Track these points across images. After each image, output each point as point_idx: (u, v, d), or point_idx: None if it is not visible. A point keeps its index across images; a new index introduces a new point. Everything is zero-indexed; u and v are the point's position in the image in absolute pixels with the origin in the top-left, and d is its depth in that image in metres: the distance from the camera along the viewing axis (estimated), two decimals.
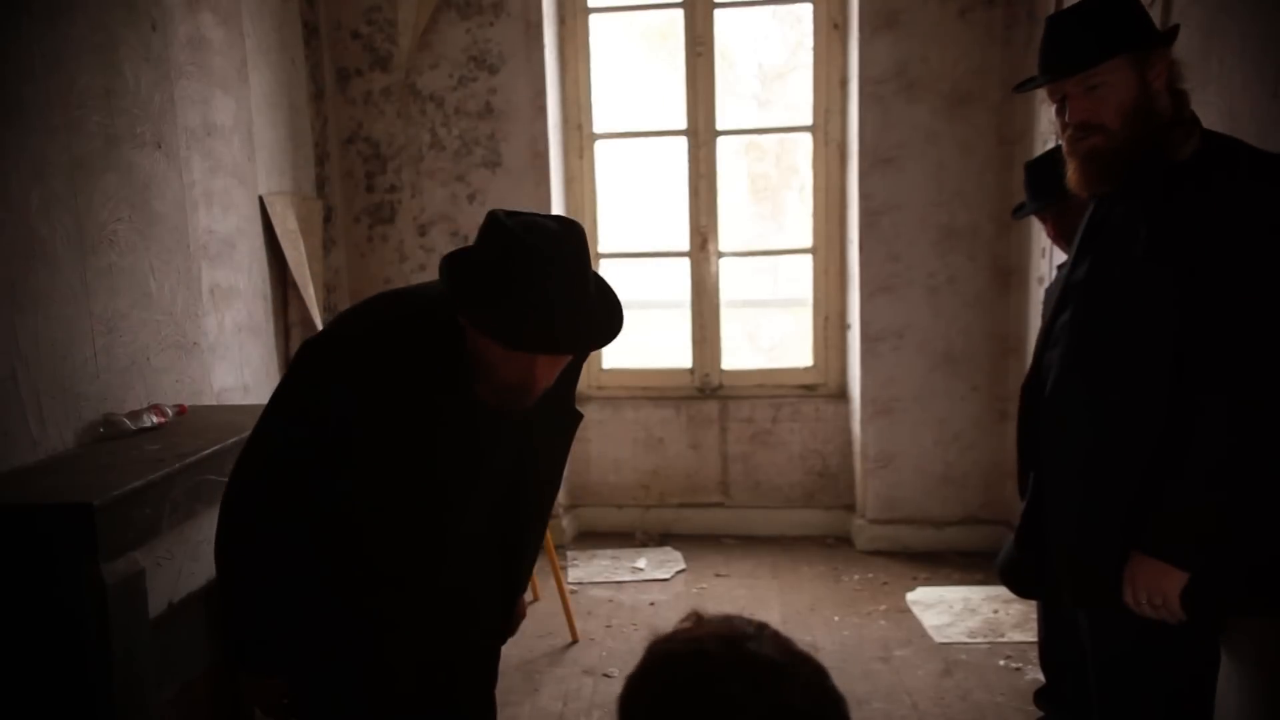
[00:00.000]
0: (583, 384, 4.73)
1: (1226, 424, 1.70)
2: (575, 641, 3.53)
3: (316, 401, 1.51)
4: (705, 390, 4.66)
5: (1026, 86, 1.99)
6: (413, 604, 1.68)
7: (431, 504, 1.62)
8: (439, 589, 1.70)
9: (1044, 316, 2.16)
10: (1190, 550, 1.74)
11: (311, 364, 1.54)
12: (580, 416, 1.84)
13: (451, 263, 1.46)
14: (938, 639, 3.45)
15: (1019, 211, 2.79)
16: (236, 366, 3.43)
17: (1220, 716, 2.40)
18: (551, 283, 1.37)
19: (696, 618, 1.00)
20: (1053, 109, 1.91)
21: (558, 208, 4.48)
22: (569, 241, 1.40)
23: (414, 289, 1.65)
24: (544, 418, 1.66)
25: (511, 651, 3.43)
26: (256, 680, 1.66)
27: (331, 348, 1.55)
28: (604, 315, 1.49)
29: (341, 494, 1.59)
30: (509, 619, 1.93)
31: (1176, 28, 1.94)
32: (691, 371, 4.69)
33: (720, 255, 4.61)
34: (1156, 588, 1.76)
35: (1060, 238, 2.62)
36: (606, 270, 4.75)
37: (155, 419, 2.70)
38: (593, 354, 4.71)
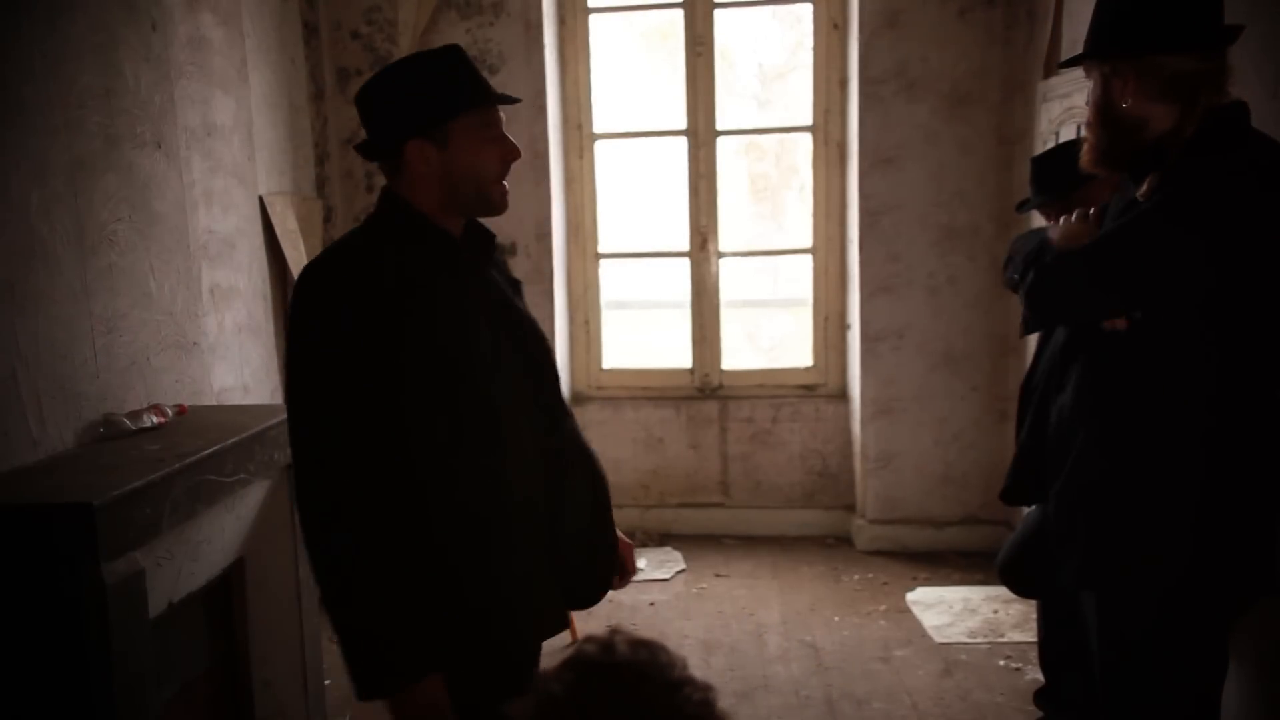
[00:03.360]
0: (583, 384, 4.74)
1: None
2: (575, 641, 3.52)
3: (342, 326, 1.50)
4: (705, 390, 4.66)
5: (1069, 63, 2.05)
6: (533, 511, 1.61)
7: (497, 379, 1.59)
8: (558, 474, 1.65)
9: (1014, 251, 2.30)
10: None
11: (316, 298, 1.55)
12: None
13: (369, 137, 1.66)
14: (938, 639, 3.45)
15: (1023, 206, 2.80)
16: (236, 366, 3.42)
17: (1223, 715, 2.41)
18: (459, 58, 1.59)
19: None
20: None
21: (558, 207, 4.48)
22: (450, 47, 1.62)
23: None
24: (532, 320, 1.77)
25: None
26: (418, 689, 1.50)
27: (320, 274, 1.58)
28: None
29: (415, 419, 1.52)
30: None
31: (1140, 44, 1.88)
32: (691, 371, 4.69)
33: (720, 255, 4.61)
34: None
35: None
36: (606, 269, 4.76)
37: (155, 419, 2.70)
38: (592, 354, 4.72)
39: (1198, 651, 1.87)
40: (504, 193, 1.61)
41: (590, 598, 1.80)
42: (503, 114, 1.63)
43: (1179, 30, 1.86)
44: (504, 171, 1.60)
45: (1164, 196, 1.77)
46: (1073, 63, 1.94)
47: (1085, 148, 1.94)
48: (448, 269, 1.59)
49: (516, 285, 1.79)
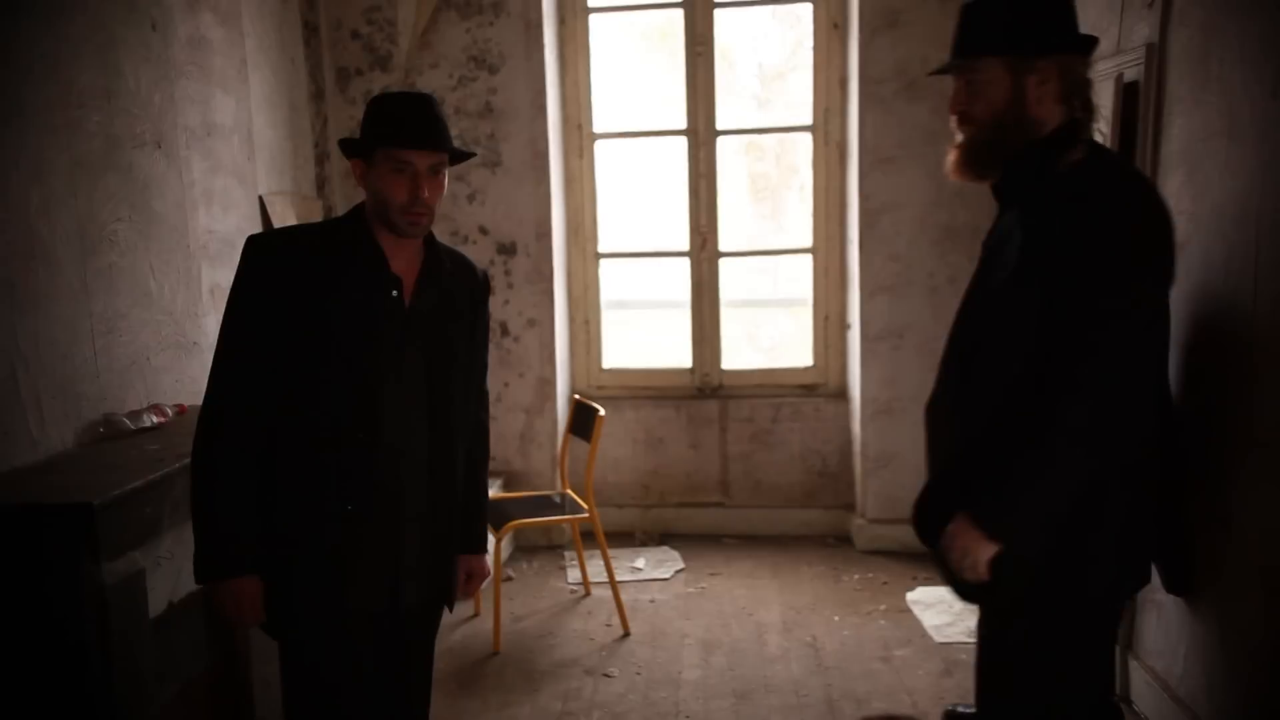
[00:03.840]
0: (583, 383, 4.74)
1: (1053, 424, 1.74)
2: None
3: (258, 278, 1.83)
4: (705, 390, 4.66)
5: (936, 71, 2.03)
6: (358, 469, 1.85)
7: (363, 379, 1.84)
8: (381, 450, 1.87)
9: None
10: (1004, 528, 1.80)
11: (254, 247, 1.87)
12: (484, 394, 2.14)
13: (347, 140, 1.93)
14: (938, 639, 3.45)
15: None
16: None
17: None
18: (403, 105, 1.85)
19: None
20: None
21: (558, 207, 4.48)
22: (420, 93, 1.90)
23: None
24: (453, 341, 1.96)
25: (512, 651, 3.44)
26: (234, 583, 1.81)
27: (267, 232, 2.04)
28: (448, 136, 1.88)
29: (293, 377, 1.82)
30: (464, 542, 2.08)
31: (1093, 40, 1.93)
32: (691, 371, 4.69)
33: (720, 255, 4.61)
34: (971, 549, 1.82)
35: None
36: (606, 269, 4.76)
37: (155, 419, 2.70)
38: (592, 354, 4.72)
39: (1070, 634, 1.91)
40: (413, 220, 1.83)
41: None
42: (434, 158, 1.84)
43: (1077, 33, 1.88)
44: (410, 203, 1.81)
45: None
46: (975, 53, 1.86)
47: (961, 155, 1.92)
48: (353, 266, 1.86)
49: (457, 314, 1.97)
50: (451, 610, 2.13)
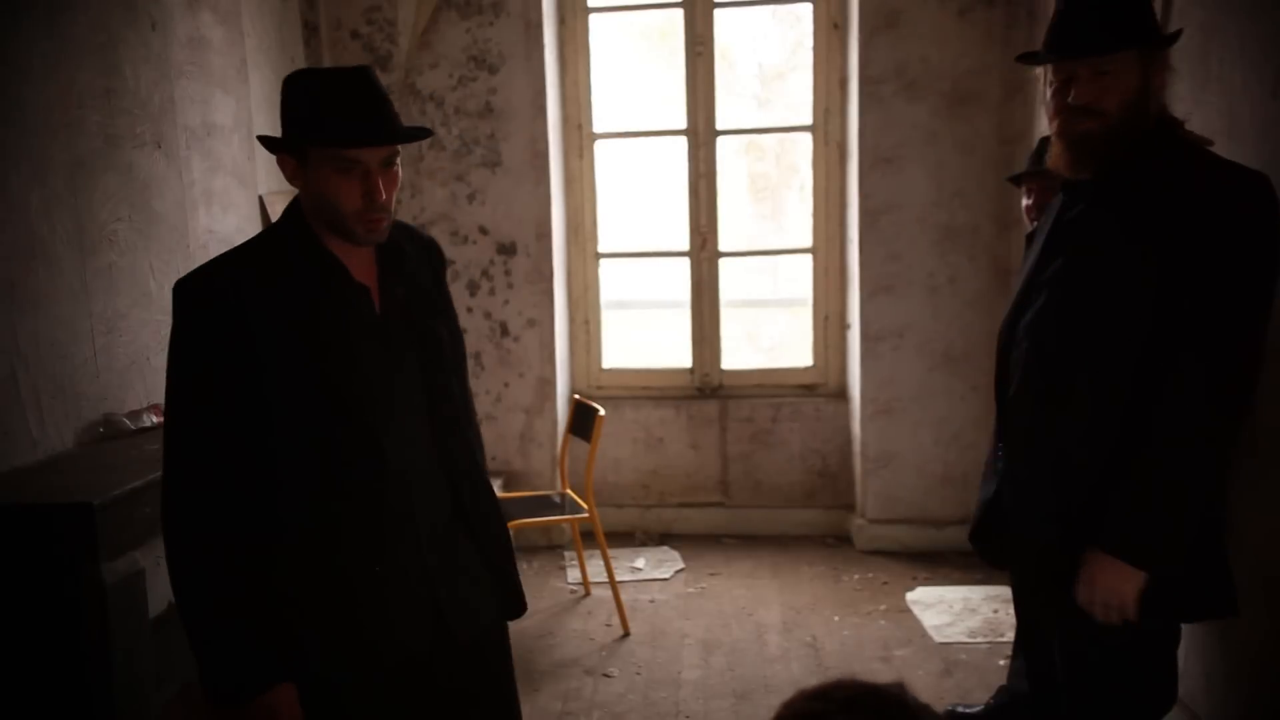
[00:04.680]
0: (583, 383, 4.74)
1: (1191, 426, 1.72)
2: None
3: (208, 325, 1.51)
4: (705, 390, 4.66)
5: (1033, 59, 1.97)
6: (368, 535, 1.59)
7: (356, 410, 1.57)
8: (389, 481, 1.61)
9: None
10: (1150, 550, 1.75)
11: (188, 294, 1.54)
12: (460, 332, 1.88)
13: (265, 137, 1.62)
14: (938, 639, 3.45)
15: (1016, 177, 2.92)
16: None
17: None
18: (346, 87, 1.51)
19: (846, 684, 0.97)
20: (1049, 90, 1.91)
21: (558, 207, 4.48)
22: (355, 67, 1.55)
23: None
24: (436, 338, 1.70)
25: (512, 651, 3.43)
26: (265, 699, 1.51)
27: (198, 271, 1.58)
28: (396, 117, 1.57)
29: (275, 432, 1.54)
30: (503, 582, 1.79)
31: (1180, 32, 1.95)
32: (691, 371, 4.69)
33: (720, 255, 4.61)
34: (1115, 588, 1.76)
35: (1037, 208, 2.71)
36: (606, 269, 4.76)
37: (155, 419, 2.70)
38: (592, 354, 4.72)
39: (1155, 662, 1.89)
40: (370, 226, 1.54)
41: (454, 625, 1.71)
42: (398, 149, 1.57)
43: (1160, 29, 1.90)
44: (366, 208, 1.52)
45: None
46: (1118, 46, 1.81)
47: (1082, 146, 1.85)
48: (309, 288, 1.56)
49: (429, 298, 1.72)
50: (524, 610, 1.83)
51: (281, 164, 1.57)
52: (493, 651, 1.77)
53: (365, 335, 1.60)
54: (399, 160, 1.57)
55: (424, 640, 1.64)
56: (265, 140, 1.58)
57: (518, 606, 1.80)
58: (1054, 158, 1.92)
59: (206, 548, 1.51)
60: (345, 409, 1.56)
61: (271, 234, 1.64)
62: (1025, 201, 2.83)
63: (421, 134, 1.58)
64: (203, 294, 1.52)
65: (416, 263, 1.70)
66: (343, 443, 1.57)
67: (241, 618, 1.51)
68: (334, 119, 1.48)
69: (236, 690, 1.51)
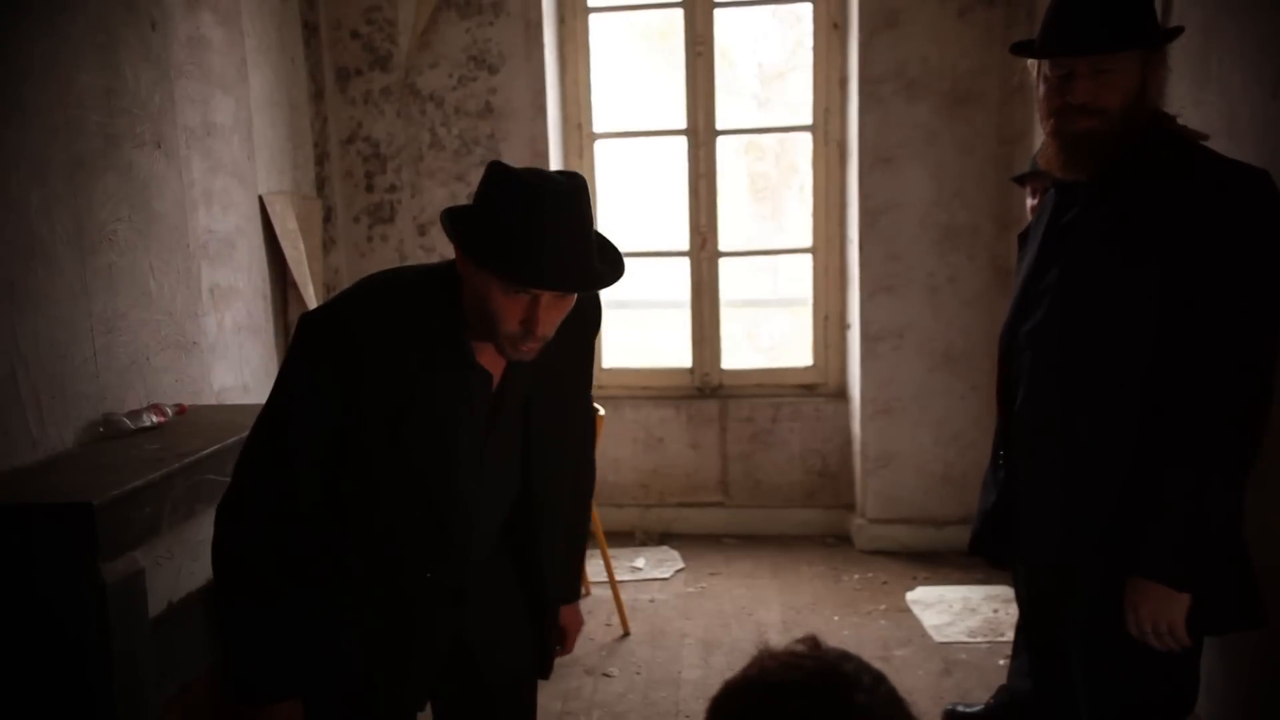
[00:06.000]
0: None
1: (1217, 442, 1.69)
2: None
3: (320, 373, 1.49)
4: (705, 390, 4.66)
5: (1029, 51, 1.91)
6: (426, 592, 1.62)
7: (441, 473, 1.56)
8: (457, 575, 1.64)
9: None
10: (1191, 571, 1.72)
11: (311, 337, 1.51)
12: (593, 411, 1.87)
13: (453, 210, 1.49)
14: (938, 639, 3.45)
15: (1021, 177, 2.91)
16: (236, 366, 3.43)
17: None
18: (547, 218, 1.38)
19: (814, 643, 0.95)
20: (1042, 87, 1.86)
21: None
22: (570, 187, 1.42)
23: (410, 266, 1.65)
24: (548, 399, 1.65)
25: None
26: (273, 711, 1.55)
27: (329, 317, 1.53)
28: (600, 262, 1.49)
29: (354, 473, 1.53)
30: (543, 631, 1.83)
31: (1180, 30, 1.93)
32: (691, 371, 4.69)
33: (720, 255, 4.61)
34: (1162, 613, 1.73)
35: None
36: None
37: (155, 418, 2.70)
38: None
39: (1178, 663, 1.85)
40: (521, 353, 1.47)
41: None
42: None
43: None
44: (522, 333, 1.44)
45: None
46: (1122, 45, 1.78)
47: (1078, 145, 1.81)
48: (435, 360, 1.52)
49: (558, 370, 1.65)
50: (547, 676, 1.91)
51: (456, 250, 1.47)
52: (518, 697, 1.85)
53: (470, 420, 1.56)
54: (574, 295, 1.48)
55: (451, 684, 1.72)
56: (446, 221, 1.45)
57: (543, 666, 1.88)
58: (1047, 157, 1.88)
59: (255, 552, 1.51)
60: (422, 491, 1.55)
61: (417, 288, 1.54)
62: (1030, 201, 2.83)
63: (604, 282, 1.48)
64: (324, 338, 1.49)
65: (560, 334, 1.53)
66: (408, 525, 1.57)
67: (273, 625, 1.53)
68: (523, 254, 1.37)
69: (249, 693, 1.54)
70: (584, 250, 1.43)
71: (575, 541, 1.88)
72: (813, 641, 0.95)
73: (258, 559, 1.51)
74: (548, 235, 1.38)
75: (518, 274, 1.38)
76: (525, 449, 1.67)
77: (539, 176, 1.42)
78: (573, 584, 1.93)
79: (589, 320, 1.69)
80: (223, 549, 1.53)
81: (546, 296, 1.42)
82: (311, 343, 1.50)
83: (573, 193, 1.42)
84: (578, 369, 1.73)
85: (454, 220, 1.46)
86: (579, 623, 1.97)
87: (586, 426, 1.85)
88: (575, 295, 1.48)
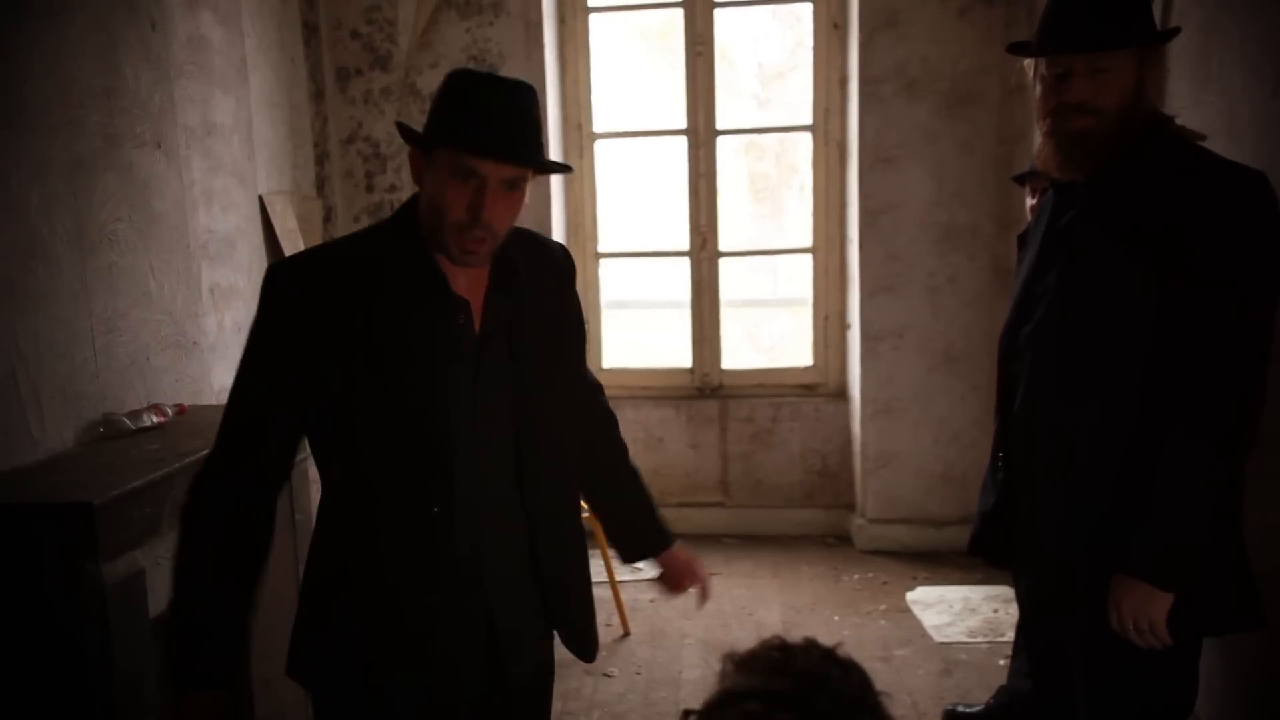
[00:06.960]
0: None
1: (1209, 442, 1.69)
2: None
3: (287, 315, 1.47)
4: (705, 390, 4.66)
5: (1026, 50, 1.90)
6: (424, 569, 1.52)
7: (432, 408, 1.49)
8: (455, 507, 1.51)
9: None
10: (1175, 571, 1.72)
11: (274, 281, 1.49)
12: (596, 387, 1.91)
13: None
14: (938, 639, 3.45)
15: (1020, 176, 2.91)
16: (236, 366, 3.42)
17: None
18: (494, 100, 1.43)
19: (782, 646, 0.94)
20: (1038, 86, 1.85)
21: (557, 207, 4.48)
22: (518, 80, 1.48)
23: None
24: (538, 348, 1.60)
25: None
26: (197, 698, 1.49)
27: (292, 258, 1.57)
28: (538, 144, 1.49)
29: (345, 416, 1.49)
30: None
31: (1177, 30, 1.93)
32: (691, 371, 4.69)
33: (720, 255, 4.61)
34: (1143, 611, 1.73)
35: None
36: (606, 269, 4.76)
37: (155, 418, 2.70)
38: (592, 353, 4.71)
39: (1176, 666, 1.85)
40: (467, 245, 1.44)
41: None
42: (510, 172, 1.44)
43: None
44: (469, 222, 1.42)
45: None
46: (1120, 43, 1.77)
47: (1075, 145, 1.80)
48: (404, 293, 1.48)
49: (543, 317, 1.62)
50: (593, 659, 1.77)
51: (410, 159, 1.49)
52: (535, 698, 1.73)
53: (455, 354, 1.50)
54: (526, 187, 1.46)
55: (475, 680, 1.57)
56: (400, 128, 1.51)
57: (589, 650, 1.75)
58: (1043, 157, 1.87)
59: (212, 523, 1.49)
60: (415, 429, 1.48)
61: (378, 230, 1.58)
62: (1029, 201, 2.83)
63: (556, 168, 1.54)
64: (289, 282, 1.48)
65: (537, 280, 1.57)
66: (407, 464, 1.49)
67: (218, 605, 1.50)
68: (465, 123, 1.40)
69: (176, 676, 1.50)
70: (529, 132, 1.45)
71: (644, 485, 1.94)
72: (779, 643, 0.95)
73: (215, 516, 1.48)
74: (493, 111, 1.41)
75: (464, 137, 1.40)
76: (517, 397, 1.58)
77: (490, 71, 1.52)
78: (665, 525, 1.93)
79: (562, 265, 1.69)
80: (184, 505, 1.52)
81: (492, 181, 1.42)
82: (275, 287, 1.49)
83: (519, 84, 1.47)
84: (563, 319, 1.69)
85: (406, 126, 1.51)
86: (693, 557, 1.95)
87: (589, 387, 1.88)
88: (524, 194, 1.48)
